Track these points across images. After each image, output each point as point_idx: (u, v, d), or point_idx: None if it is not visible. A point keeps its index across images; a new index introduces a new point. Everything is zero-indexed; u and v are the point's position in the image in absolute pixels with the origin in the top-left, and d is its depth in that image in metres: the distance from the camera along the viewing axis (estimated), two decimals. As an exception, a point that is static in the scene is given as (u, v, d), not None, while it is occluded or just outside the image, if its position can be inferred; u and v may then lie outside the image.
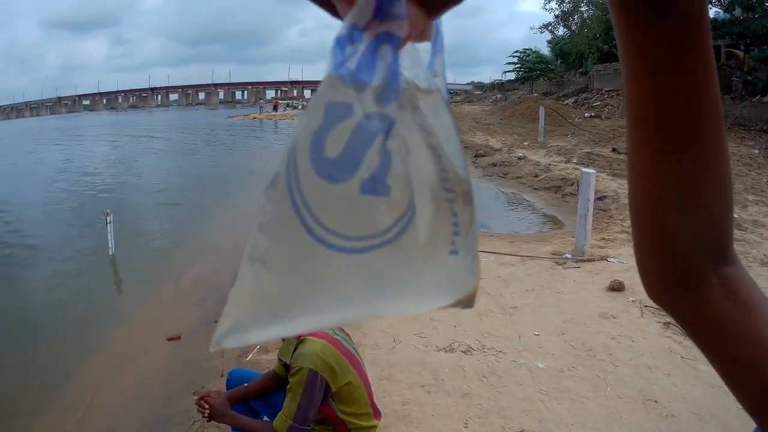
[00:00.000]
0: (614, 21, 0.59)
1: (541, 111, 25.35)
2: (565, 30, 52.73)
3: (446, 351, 5.53)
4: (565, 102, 38.19)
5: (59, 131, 54.52)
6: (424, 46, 0.43)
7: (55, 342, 6.78)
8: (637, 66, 0.59)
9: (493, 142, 24.70)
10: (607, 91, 37.57)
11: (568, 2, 48.89)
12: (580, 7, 48.70)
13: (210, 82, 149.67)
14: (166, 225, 12.71)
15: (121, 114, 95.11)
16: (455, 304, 0.49)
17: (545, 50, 57.56)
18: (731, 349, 0.66)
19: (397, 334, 5.86)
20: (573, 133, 25.05)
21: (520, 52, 53.37)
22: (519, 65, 53.75)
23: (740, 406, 0.70)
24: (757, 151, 19.19)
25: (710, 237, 0.66)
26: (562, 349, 5.63)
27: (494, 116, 38.64)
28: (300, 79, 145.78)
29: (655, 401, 4.67)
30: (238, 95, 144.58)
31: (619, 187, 13.92)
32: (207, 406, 3.13)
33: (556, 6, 50.60)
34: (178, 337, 6.61)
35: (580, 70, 49.57)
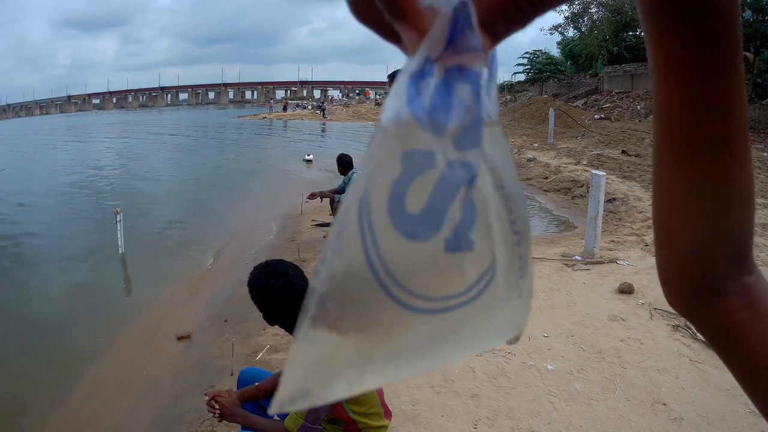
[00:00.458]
0: (646, 28, 0.58)
1: (551, 112, 25.33)
2: (575, 31, 52.58)
3: (455, 352, 5.52)
4: (574, 104, 38.12)
5: (70, 129, 54.75)
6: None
7: (65, 341, 6.80)
8: (668, 74, 0.58)
9: (503, 144, 24.69)
10: (616, 92, 37.50)
11: (578, 4, 48.77)
12: (590, 8, 48.58)
13: (220, 82, 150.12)
14: (177, 224, 12.71)
15: (130, 113, 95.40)
16: (509, 342, 0.46)
17: (555, 52, 57.30)
18: (751, 357, 0.64)
19: (406, 335, 5.84)
20: (583, 135, 25.01)
21: (530, 54, 53.19)
22: (529, 66, 53.56)
23: (749, 410, 0.70)
24: (766, 154, 19.14)
25: (732, 247, 0.66)
26: (571, 351, 5.63)
27: (504, 117, 38.58)
28: (309, 79, 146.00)
29: (664, 404, 4.66)
30: (248, 95, 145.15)
31: (629, 189, 13.91)
32: (218, 406, 3.13)
33: (566, 8, 50.52)
34: (188, 336, 6.62)
35: (589, 72, 49.42)
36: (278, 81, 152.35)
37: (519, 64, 53.69)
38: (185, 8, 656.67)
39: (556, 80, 52.03)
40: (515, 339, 0.46)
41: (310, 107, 78.79)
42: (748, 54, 28.01)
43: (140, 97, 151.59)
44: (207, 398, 3.19)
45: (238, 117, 64.60)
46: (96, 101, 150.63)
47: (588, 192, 9.65)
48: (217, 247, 10.60)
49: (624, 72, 38.99)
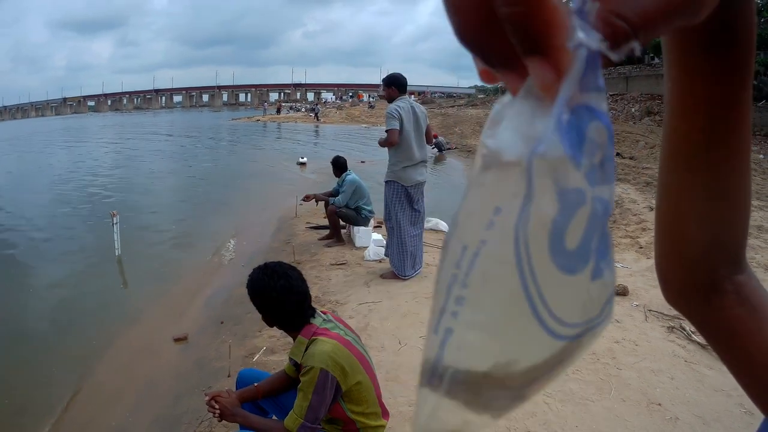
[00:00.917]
0: (671, 61, 0.62)
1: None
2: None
3: (451, 353, 5.53)
4: (568, 106, 38.16)
5: (66, 131, 54.57)
6: None
7: (62, 343, 6.78)
8: (695, 104, 0.62)
9: (497, 146, 24.71)
10: (611, 95, 37.44)
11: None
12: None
13: (214, 84, 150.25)
14: (173, 226, 12.71)
15: (125, 115, 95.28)
16: None
17: (549, 54, 57.40)
18: (745, 352, 0.70)
19: (402, 337, 5.87)
20: (576, 138, 25.05)
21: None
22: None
23: (744, 410, 0.74)
24: (762, 156, 19.21)
25: (727, 248, 0.72)
26: (566, 352, 5.64)
27: (496, 120, 38.60)
28: (303, 82, 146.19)
29: (659, 404, 4.68)
30: (242, 97, 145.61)
31: (624, 192, 13.93)
32: (218, 406, 3.16)
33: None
34: (185, 338, 6.63)
35: (583, 74, 49.51)
36: (272, 83, 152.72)
37: (513, 67, 53.79)
38: (182, 10, 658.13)
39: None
40: None
41: (303, 110, 78.94)
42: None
43: (135, 100, 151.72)
44: (207, 398, 3.22)
45: (232, 119, 64.66)
46: (91, 103, 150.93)
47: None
48: (212, 249, 10.60)
49: (618, 74, 38.95)
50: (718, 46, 0.56)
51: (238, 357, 5.71)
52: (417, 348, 5.65)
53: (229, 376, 5.30)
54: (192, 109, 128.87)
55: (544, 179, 0.33)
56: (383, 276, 7.77)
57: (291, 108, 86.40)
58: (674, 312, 5.50)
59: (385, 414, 3.44)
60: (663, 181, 0.72)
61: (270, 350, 5.83)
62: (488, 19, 0.33)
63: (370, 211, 9.70)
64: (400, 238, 7.52)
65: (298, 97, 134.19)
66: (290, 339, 4.45)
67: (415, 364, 5.28)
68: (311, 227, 11.01)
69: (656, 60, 39.31)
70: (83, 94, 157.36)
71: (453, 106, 62.18)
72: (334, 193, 9.74)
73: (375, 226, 10.10)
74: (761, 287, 0.73)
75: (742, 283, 0.72)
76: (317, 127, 51.01)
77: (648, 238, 10.02)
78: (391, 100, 7.37)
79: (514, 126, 0.34)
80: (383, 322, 6.20)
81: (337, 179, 9.91)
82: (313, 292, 4.66)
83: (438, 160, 24.35)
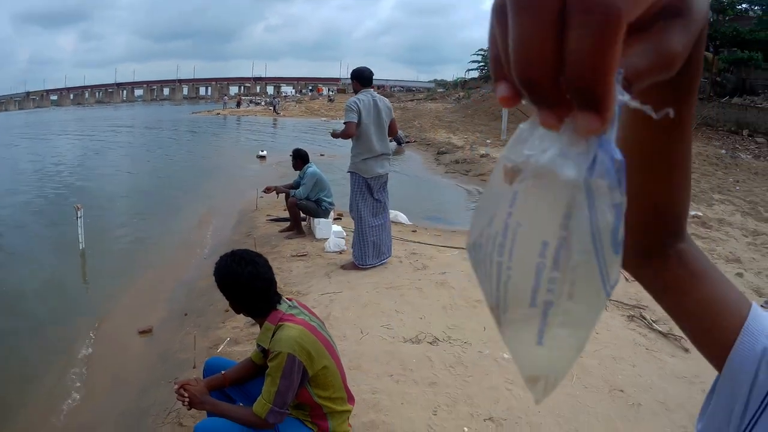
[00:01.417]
0: None
1: (504, 109, 25.52)
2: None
3: (413, 342, 5.55)
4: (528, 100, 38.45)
5: (29, 127, 53.71)
6: None
7: (25, 339, 6.64)
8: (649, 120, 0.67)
9: (456, 140, 24.91)
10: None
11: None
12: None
13: (175, 78, 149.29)
14: (135, 220, 12.58)
15: (87, 109, 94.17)
16: None
17: (511, 49, 57.67)
18: (685, 306, 0.87)
19: (364, 326, 5.86)
20: (537, 131, 25.25)
21: (485, 51, 53.57)
22: (483, 63, 53.98)
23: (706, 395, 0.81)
24: (724, 151, 19.58)
25: (671, 222, 0.87)
26: (527, 340, 5.67)
27: (457, 114, 38.89)
28: (264, 76, 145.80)
29: (621, 391, 4.74)
30: (202, 91, 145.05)
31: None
32: (187, 394, 3.14)
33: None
34: (149, 330, 6.57)
35: (544, 69, 49.90)
36: (233, 77, 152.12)
37: (473, 61, 54.12)
38: (145, 4, 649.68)
39: (509, 77, 52.44)
40: None
41: (263, 103, 78.68)
42: (707, 54, 28.52)
43: (97, 93, 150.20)
44: (176, 387, 3.21)
45: (193, 113, 64.21)
46: (54, 97, 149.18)
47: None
48: (174, 242, 10.56)
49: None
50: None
51: (203, 348, 5.66)
52: (378, 337, 5.66)
53: (194, 367, 5.26)
54: (153, 102, 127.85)
55: (602, 196, 0.43)
56: (344, 267, 7.84)
57: (251, 102, 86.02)
58: (634, 301, 5.57)
59: (351, 399, 3.45)
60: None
61: (234, 341, 5.79)
62: (554, 74, 0.40)
63: (331, 203, 9.69)
64: (360, 228, 7.64)
65: (259, 90, 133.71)
66: (254, 330, 4.34)
67: (377, 353, 5.30)
68: (272, 219, 10.96)
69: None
70: (46, 88, 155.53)
71: (412, 100, 62.43)
72: (295, 186, 9.71)
73: (335, 218, 10.14)
74: (701, 254, 0.89)
75: (683, 250, 0.88)
76: (276, 120, 50.88)
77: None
78: (356, 92, 7.51)
79: (560, 152, 0.43)
80: (344, 312, 6.19)
81: (297, 171, 9.88)
82: (275, 283, 4.65)
83: (396, 153, 24.35)
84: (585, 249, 0.44)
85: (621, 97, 0.42)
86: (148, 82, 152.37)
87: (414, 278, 7.38)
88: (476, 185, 16.65)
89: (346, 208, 8.24)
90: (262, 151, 22.74)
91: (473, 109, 39.03)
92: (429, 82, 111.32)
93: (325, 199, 9.58)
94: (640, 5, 0.41)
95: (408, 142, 28.05)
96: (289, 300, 3.31)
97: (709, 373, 0.82)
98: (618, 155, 0.44)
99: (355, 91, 7.57)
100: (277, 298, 3.21)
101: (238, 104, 76.60)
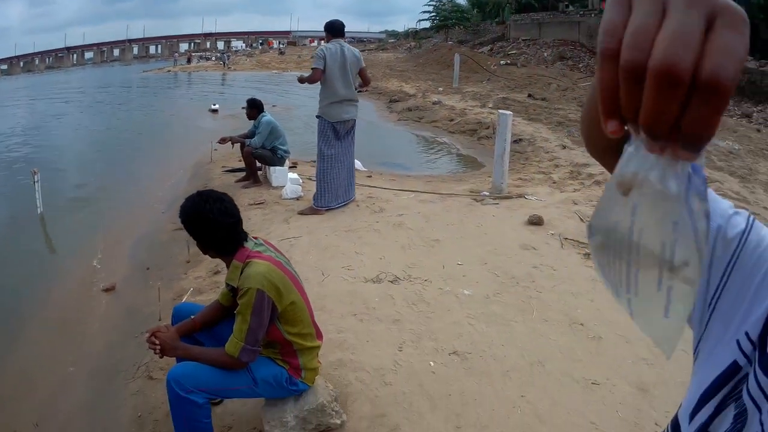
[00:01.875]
0: None
1: (457, 57, 25.62)
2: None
3: (374, 282, 5.60)
4: (480, 50, 38.35)
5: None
6: None
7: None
8: None
9: (408, 88, 24.83)
10: (523, 40, 37.89)
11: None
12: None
13: (125, 39, 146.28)
14: (91, 179, 12.35)
15: (37, 75, 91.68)
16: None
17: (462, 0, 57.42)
18: None
19: (325, 268, 5.90)
20: (488, 80, 25.31)
21: (436, 1, 53.27)
22: (434, 14, 53.61)
23: None
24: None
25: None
26: (486, 277, 5.76)
27: (408, 63, 38.74)
28: (213, 31, 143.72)
29: (582, 324, 4.84)
30: (152, 50, 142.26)
31: (535, 131, 14.20)
32: (158, 341, 3.13)
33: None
34: (113, 287, 6.49)
35: (497, 20, 49.78)
36: (183, 34, 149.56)
37: (424, 12, 53.83)
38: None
39: (462, 27, 52.20)
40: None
41: (213, 59, 77.54)
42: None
43: (47, 59, 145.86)
44: (147, 335, 3.20)
45: (143, 72, 62.83)
46: (3, 67, 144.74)
47: (494, 133, 9.79)
48: (131, 199, 10.42)
49: (531, 20, 39.48)
50: None
51: (167, 300, 5.62)
52: (340, 278, 5.70)
53: (159, 319, 5.22)
54: (103, 64, 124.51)
55: (697, 207, 0.57)
56: (302, 212, 7.94)
57: (201, 57, 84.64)
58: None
59: (319, 335, 3.48)
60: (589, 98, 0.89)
61: (197, 290, 5.79)
62: (673, 126, 0.51)
63: (286, 151, 9.65)
64: (322, 171, 7.88)
65: (209, 46, 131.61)
66: (216, 278, 4.31)
67: (339, 294, 5.35)
68: (227, 170, 10.88)
69: (570, 8, 39.99)
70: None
71: (364, 50, 61.93)
72: (250, 135, 9.66)
73: (290, 166, 10.15)
74: None
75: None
76: (225, 74, 50.25)
77: (560, 174, 10.26)
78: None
79: (663, 173, 0.56)
80: (305, 256, 6.22)
81: (251, 122, 9.82)
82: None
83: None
84: (689, 246, 0.58)
85: None
86: (98, 44, 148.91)
87: (371, 221, 7.46)
88: (429, 132, 16.72)
89: (301, 156, 8.28)
90: (214, 104, 22.42)
91: (425, 58, 38.87)
92: (380, 33, 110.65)
93: (280, 147, 9.54)
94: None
95: (361, 90, 27.92)
96: (255, 238, 3.31)
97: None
98: (703, 174, 0.57)
99: (328, 41, 7.87)
100: (244, 236, 3.21)
101: (189, 60, 75.35)
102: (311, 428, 3.45)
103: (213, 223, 3.04)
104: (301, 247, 6.52)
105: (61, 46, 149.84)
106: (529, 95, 20.19)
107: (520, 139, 13.14)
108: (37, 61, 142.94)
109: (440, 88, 23.77)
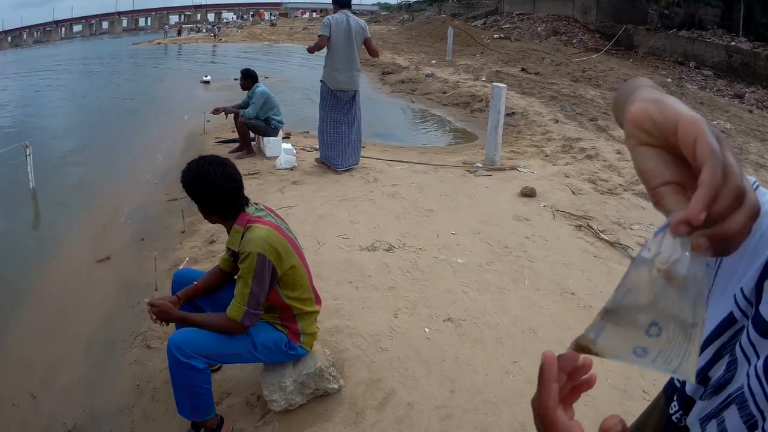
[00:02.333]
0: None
1: (450, 30, 25.42)
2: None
3: (369, 250, 5.67)
4: (473, 23, 38.14)
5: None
6: None
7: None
8: None
9: (401, 60, 24.66)
10: (517, 14, 37.60)
11: None
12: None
13: (114, 11, 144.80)
14: (85, 152, 12.26)
15: (25, 50, 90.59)
16: None
17: (456, -28, 56.97)
18: None
19: (321, 237, 5.96)
20: (482, 53, 25.16)
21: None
22: (429, -14, 53.22)
23: None
24: (669, 80, 19.87)
25: None
26: (479, 246, 5.83)
27: (401, 36, 38.45)
28: (203, 3, 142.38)
29: (572, 293, 4.92)
30: (142, 22, 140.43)
31: (528, 104, 14.15)
32: (156, 310, 3.18)
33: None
34: (108, 258, 6.49)
35: (491, -7, 49.49)
36: (173, 6, 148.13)
37: (417, -16, 53.31)
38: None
39: (455, 0, 51.83)
40: None
41: (204, 30, 76.90)
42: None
43: (35, 33, 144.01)
44: (146, 304, 3.23)
45: (133, 44, 61.92)
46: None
47: (488, 104, 9.81)
48: (124, 170, 10.33)
49: (525, -6, 39.26)
50: None
51: (163, 270, 5.66)
52: (335, 246, 5.77)
53: (156, 289, 5.28)
54: (92, 37, 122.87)
55: (706, 289, 0.67)
56: (317, 161, 8.82)
57: (191, 29, 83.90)
58: (581, 212, 5.70)
59: (318, 300, 3.52)
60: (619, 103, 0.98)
61: (193, 260, 5.81)
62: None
63: (280, 122, 9.66)
64: (321, 133, 8.44)
65: (199, 18, 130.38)
66: (212, 248, 4.34)
67: (335, 262, 5.40)
68: (221, 141, 10.87)
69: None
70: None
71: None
72: (244, 106, 9.64)
73: (284, 137, 10.16)
74: None
75: None
76: (216, 46, 49.84)
77: (553, 147, 10.28)
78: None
79: (684, 257, 0.64)
80: (301, 225, 6.25)
81: (245, 92, 9.79)
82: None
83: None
84: (701, 319, 0.67)
85: None
86: (87, 17, 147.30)
87: (366, 191, 7.51)
88: (423, 104, 16.67)
89: (294, 128, 8.38)
90: (206, 76, 22.26)
91: (418, 31, 38.64)
92: (373, 5, 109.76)
93: (274, 117, 9.53)
94: None
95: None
96: (256, 204, 3.33)
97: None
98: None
99: (335, 12, 8.29)
100: (245, 201, 3.23)
101: (179, 33, 74.50)
102: (309, 393, 3.51)
103: (216, 187, 3.05)
104: (297, 216, 6.55)
105: (50, 20, 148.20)
106: (523, 69, 20.12)
107: (513, 113, 13.13)
108: (25, 36, 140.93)
109: (433, 61, 23.66)
